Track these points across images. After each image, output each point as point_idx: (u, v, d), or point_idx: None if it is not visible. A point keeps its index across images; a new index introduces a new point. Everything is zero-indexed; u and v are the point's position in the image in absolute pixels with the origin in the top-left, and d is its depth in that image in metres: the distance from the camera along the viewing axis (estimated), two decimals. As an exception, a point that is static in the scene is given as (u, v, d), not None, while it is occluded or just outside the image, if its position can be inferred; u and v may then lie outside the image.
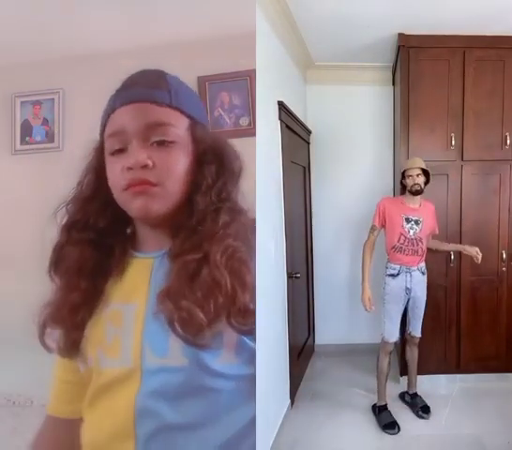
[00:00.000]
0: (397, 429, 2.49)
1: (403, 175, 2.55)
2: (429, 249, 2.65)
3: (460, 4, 2.44)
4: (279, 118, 2.50)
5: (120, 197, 0.87)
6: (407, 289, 2.55)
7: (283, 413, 2.56)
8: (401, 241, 2.53)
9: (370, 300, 2.56)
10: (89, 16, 2.57)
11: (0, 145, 3.18)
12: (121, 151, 0.86)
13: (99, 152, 0.91)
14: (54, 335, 0.90)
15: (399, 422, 2.53)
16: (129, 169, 0.83)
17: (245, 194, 0.93)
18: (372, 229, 2.61)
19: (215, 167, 0.88)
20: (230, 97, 2.91)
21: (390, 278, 2.57)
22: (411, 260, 2.55)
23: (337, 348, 3.60)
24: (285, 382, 2.67)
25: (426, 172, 2.52)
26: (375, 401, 2.67)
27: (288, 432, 2.48)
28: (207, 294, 0.77)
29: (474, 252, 2.54)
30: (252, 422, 0.81)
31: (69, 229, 0.93)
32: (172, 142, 0.85)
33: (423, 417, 2.61)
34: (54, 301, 0.90)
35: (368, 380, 2.93)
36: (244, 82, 2.87)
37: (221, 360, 0.79)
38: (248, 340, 0.81)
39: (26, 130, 3.17)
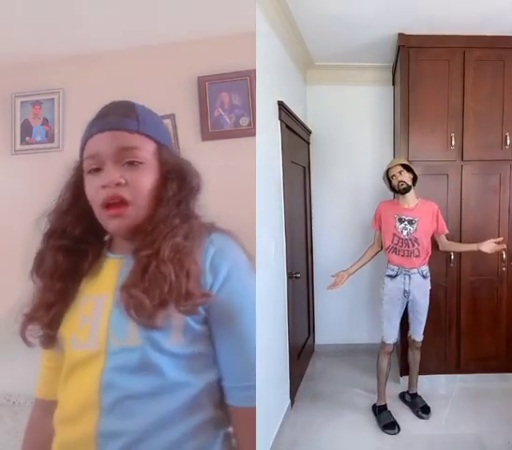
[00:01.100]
0: (397, 429, 2.49)
1: (389, 179, 2.52)
2: (438, 251, 2.62)
3: (460, 4, 2.44)
4: (279, 118, 2.50)
5: (98, 213, 1.01)
6: (405, 291, 2.53)
7: (283, 413, 2.56)
8: (395, 241, 2.52)
9: (341, 276, 2.58)
10: (89, 16, 2.57)
11: (0, 145, 3.18)
12: (97, 170, 1.00)
13: (79, 170, 1.06)
14: (35, 331, 1.04)
15: (398, 422, 2.53)
16: (105, 186, 0.97)
17: (205, 205, 1.08)
18: (375, 233, 2.65)
19: (176, 183, 1.03)
20: (230, 97, 2.91)
21: (388, 279, 2.56)
22: (407, 261, 2.51)
23: (337, 348, 3.60)
24: (285, 382, 2.66)
25: (409, 169, 2.49)
26: (375, 401, 2.67)
27: (288, 432, 2.48)
28: (154, 284, 0.91)
29: (493, 246, 2.50)
30: (202, 392, 0.94)
31: (49, 237, 1.07)
32: (140, 163, 1.00)
33: (423, 417, 2.60)
34: (33, 300, 1.05)
35: (368, 380, 2.94)
36: (244, 82, 2.87)
37: (170, 341, 0.92)
38: (192, 323, 0.93)
39: (26, 130, 3.17)
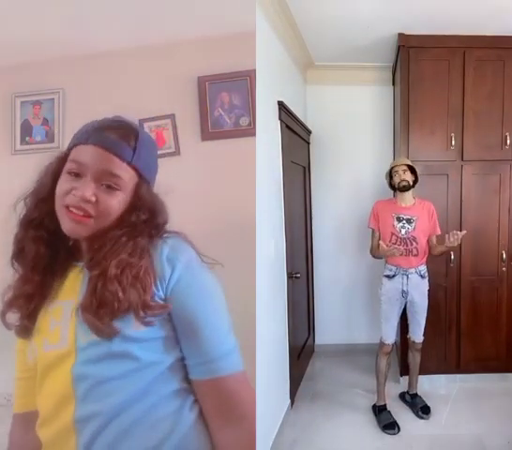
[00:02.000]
0: (396, 429, 2.49)
1: (391, 175, 2.55)
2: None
3: (460, 4, 2.44)
4: (279, 118, 2.50)
5: (59, 210, 1.03)
6: (403, 291, 2.53)
7: (283, 413, 2.56)
8: (393, 240, 2.51)
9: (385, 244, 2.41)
10: (89, 16, 2.57)
11: (0, 145, 3.18)
12: (77, 175, 1.01)
13: (61, 162, 1.06)
14: (13, 319, 1.08)
15: (398, 422, 2.53)
16: (74, 195, 0.99)
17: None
18: (372, 234, 2.60)
19: (143, 216, 1.06)
20: (230, 97, 2.90)
21: (386, 279, 2.56)
22: (405, 260, 2.51)
23: (336, 348, 3.60)
24: (285, 382, 2.66)
25: (413, 170, 2.51)
26: (375, 401, 2.67)
27: (288, 432, 2.48)
28: (103, 302, 0.96)
29: (456, 237, 2.31)
30: (168, 369, 1.01)
31: (27, 225, 1.09)
32: (117, 189, 1.03)
33: (423, 418, 2.60)
34: (14, 288, 1.08)
35: (367, 380, 2.93)
36: (244, 82, 2.87)
37: (134, 327, 0.97)
38: None
39: (26, 130, 3.16)
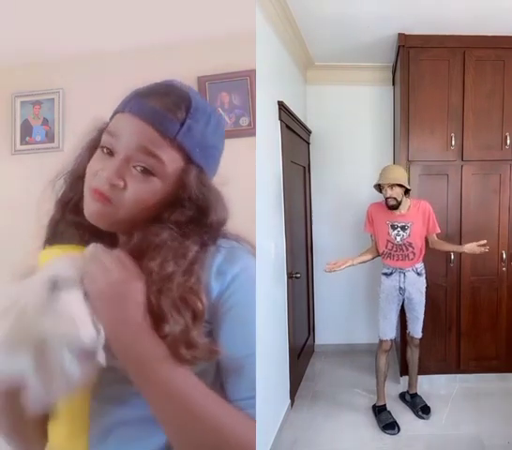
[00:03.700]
0: (396, 430, 2.49)
1: (379, 188, 2.46)
2: (431, 249, 2.61)
3: (460, 4, 2.44)
4: (279, 118, 2.49)
5: (85, 191, 0.86)
6: (401, 289, 2.55)
7: (283, 413, 2.56)
8: (389, 247, 2.53)
9: (344, 261, 2.50)
10: (89, 16, 2.57)
11: (0, 145, 3.18)
12: (109, 152, 0.84)
13: (100, 134, 0.88)
14: None
15: (398, 422, 2.52)
16: (100, 178, 0.83)
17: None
18: (371, 237, 2.65)
19: (191, 212, 0.86)
20: (230, 97, 2.90)
21: (384, 277, 2.59)
22: (402, 264, 2.54)
23: (337, 348, 3.60)
24: (285, 382, 2.66)
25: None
26: (375, 401, 2.67)
27: (288, 432, 2.48)
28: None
29: (476, 248, 2.41)
30: None
31: (63, 206, 0.92)
32: (153, 176, 0.82)
33: (423, 417, 2.60)
34: None
35: (367, 380, 2.93)
36: (244, 82, 2.87)
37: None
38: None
39: (26, 130, 3.16)
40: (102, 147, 0.84)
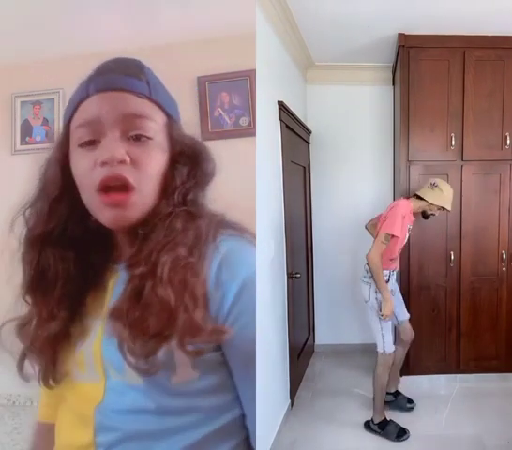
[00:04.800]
0: (408, 432, 2.42)
1: (424, 209, 2.45)
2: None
3: (460, 4, 2.44)
4: (279, 118, 2.50)
5: (90, 199, 0.77)
6: (392, 290, 2.43)
7: (283, 413, 2.56)
8: (400, 252, 2.48)
9: (388, 307, 2.33)
10: (89, 16, 2.57)
11: (0, 145, 3.18)
12: (92, 143, 0.77)
13: (64, 144, 0.82)
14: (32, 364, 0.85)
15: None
16: (104, 164, 0.75)
17: (217, 198, 0.89)
18: (386, 238, 2.31)
19: (187, 168, 0.83)
20: (230, 97, 2.90)
21: (385, 287, 2.37)
22: (398, 263, 2.54)
23: (337, 348, 3.60)
24: (285, 382, 2.66)
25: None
26: (372, 418, 2.51)
27: (288, 432, 2.48)
28: (148, 312, 0.71)
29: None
30: (221, 430, 0.78)
31: (39, 241, 0.81)
32: (149, 138, 0.79)
33: (411, 408, 2.64)
34: (33, 328, 0.83)
35: (367, 380, 2.93)
36: (244, 82, 2.86)
37: (177, 378, 0.74)
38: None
39: (26, 130, 3.16)
40: (82, 144, 0.78)
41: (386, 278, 2.40)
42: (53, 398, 0.94)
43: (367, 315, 2.48)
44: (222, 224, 0.83)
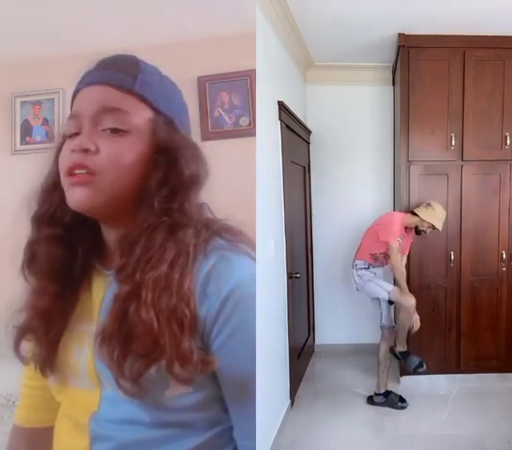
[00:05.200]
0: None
1: (417, 224, 2.65)
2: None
3: (460, 4, 2.44)
4: (279, 118, 2.49)
5: (63, 181, 0.79)
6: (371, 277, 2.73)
7: (283, 413, 2.56)
8: (384, 254, 2.67)
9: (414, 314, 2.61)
10: (89, 16, 2.57)
11: (0, 145, 3.18)
12: (76, 135, 0.78)
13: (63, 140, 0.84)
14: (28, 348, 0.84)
15: (398, 422, 2.55)
16: (73, 151, 0.76)
17: (216, 198, 0.85)
18: (395, 244, 2.57)
19: (163, 171, 0.78)
20: (230, 97, 2.91)
21: (370, 273, 2.71)
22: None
23: (337, 348, 3.60)
24: (285, 382, 2.66)
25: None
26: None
27: (288, 432, 2.47)
28: (137, 338, 0.70)
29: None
30: (206, 443, 0.78)
31: (38, 222, 0.85)
32: (125, 132, 0.77)
33: (404, 407, 2.67)
34: (27, 306, 0.84)
35: (368, 380, 2.94)
36: (244, 82, 2.87)
37: (171, 392, 0.73)
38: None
39: (26, 130, 3.17)
40: (70, 136, 0.79)
41: (365, 266, 2.72)
42: (34, 400, 0.93)
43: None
44: (215, 232, 0.79)
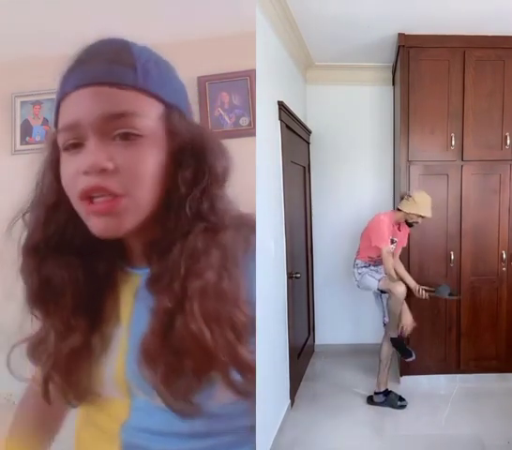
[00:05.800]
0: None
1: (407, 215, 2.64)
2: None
3: (460, 4, 2.44)
4: (279, 118, 2.49)
5: (78, 206, 0.69)
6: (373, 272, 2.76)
7: (283, 413, 2.56)
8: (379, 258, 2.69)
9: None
10: (89, 16, 2.57)
11: (0, 145, 3.18)
12: (76, 146, 0.68)
13: (56, 148, 0.73)
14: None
15: (398, 422, 2.55)
16: (86, 173, 0.66)
17: (237, 198, 0.75)
18: (387, 249, 2.59)
19: (192, 170, 0.70)
20: (230, 97, 2.90)
21: (369, 271, 2.73)
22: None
23: (337, 348, 3.60)
24: (285, 382, 2.66)
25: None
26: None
27: (288, 432, 2.47)
28: (186, 354, 0.64)
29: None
30: None
31: (37, 249, 0.73)
32: (139, 136, 0.67)
33: (404, 405, 2.68)
34: (51, 347, 0.75)
35: (368, 380, 2.94)
36: (244, 82, 2.87)
37: (215, 401, 0.68)
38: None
39: (26, 130, 3.17)
40: (67, 148, 0.69)
41: (366, 265, 2.76)
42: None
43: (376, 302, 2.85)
44: (251, 229, 0.75)
